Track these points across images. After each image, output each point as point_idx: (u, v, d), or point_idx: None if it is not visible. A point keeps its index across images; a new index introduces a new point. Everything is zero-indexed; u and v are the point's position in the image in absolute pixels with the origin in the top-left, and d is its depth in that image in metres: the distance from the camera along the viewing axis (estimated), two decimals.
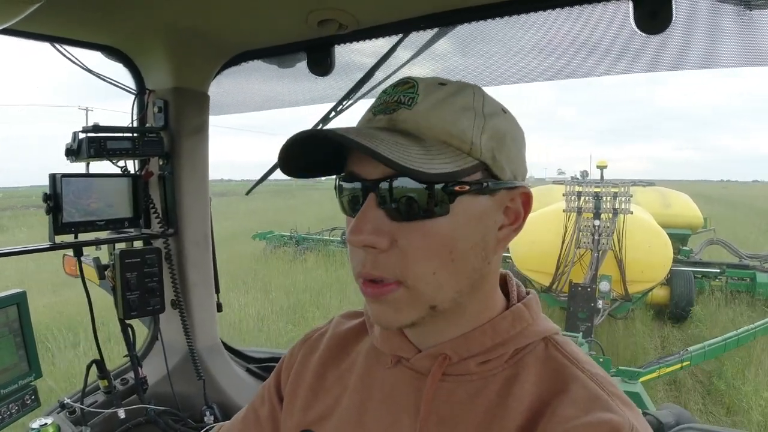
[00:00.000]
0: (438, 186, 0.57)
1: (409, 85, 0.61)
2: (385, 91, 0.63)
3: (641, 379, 4.65)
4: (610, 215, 7.41)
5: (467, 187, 0.58)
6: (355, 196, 0.61)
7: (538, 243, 7.27)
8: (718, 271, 9.43)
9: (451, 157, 0.58)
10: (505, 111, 0.64)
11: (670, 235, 7.89)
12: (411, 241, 0.58)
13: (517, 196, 0.64)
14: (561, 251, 7.44)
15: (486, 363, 0.64)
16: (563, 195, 7.79)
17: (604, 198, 7.57)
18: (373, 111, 0.63)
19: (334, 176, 0.66)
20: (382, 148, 0.54)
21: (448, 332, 0.65)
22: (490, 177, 0.61)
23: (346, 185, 0.63)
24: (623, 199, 7.49)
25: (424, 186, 0.57)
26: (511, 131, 0.63)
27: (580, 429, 0.56)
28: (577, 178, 12.68)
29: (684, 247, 10.60)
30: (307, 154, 0.63)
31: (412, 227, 0.58)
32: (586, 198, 7.65)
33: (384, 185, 0.58)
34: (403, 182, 0.57)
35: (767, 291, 8.94)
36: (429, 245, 0.58)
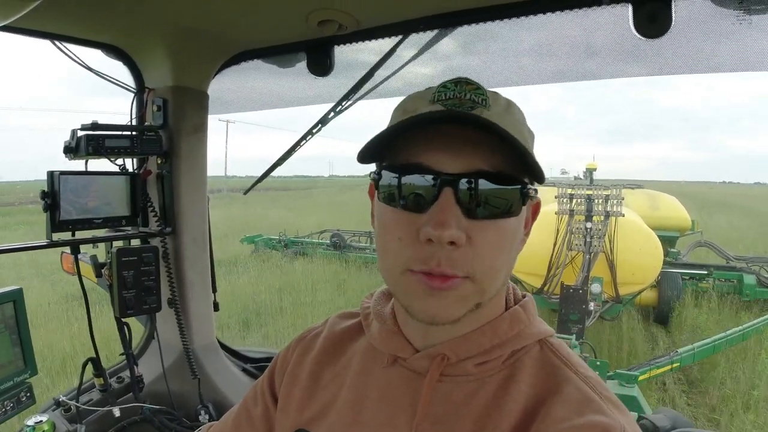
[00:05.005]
0: (516, 187, 0.59)
1: (474, 85, 0.62)
2: (445, 87, 0.62)
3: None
4: (602, 218, 7.47)
5: (534, 193, 0.62)
6: (424, 189, 0.59)
7: (529, 245, 7.20)
8: (706, 273, 9.52)
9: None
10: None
11: (658, 238, 7.95)
12: (485, 238, 0.59)
13: (531, 204, 0.67)
14: (552, 253, 7.48)
15: (484, 364, 0.65)
16: (555, 197, 7.83)
17: (596, 200, 7.63)
18: (444, 104, 0.61)
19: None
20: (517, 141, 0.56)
21: (455, 333, 0.66)
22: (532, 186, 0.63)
23: (412, 178, 0.60)
24: (615, 201, 7.55)
25: (509, 187, 0.59)
26: None
27: (572, 431, 0.57)
28: (580, 178, 12.80)
29: (672, 249, 10.69)
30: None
31: (487, 225, 0.59)
32: (578, 200, 7.70)
33: (466, 181, 0.58)
34: (485, 180, 0.58)
35: (754, 293, 9.04)
36: (499, 243, 0.60)
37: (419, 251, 0.58)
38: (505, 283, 0.67)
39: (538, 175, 0.60)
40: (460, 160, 0.58)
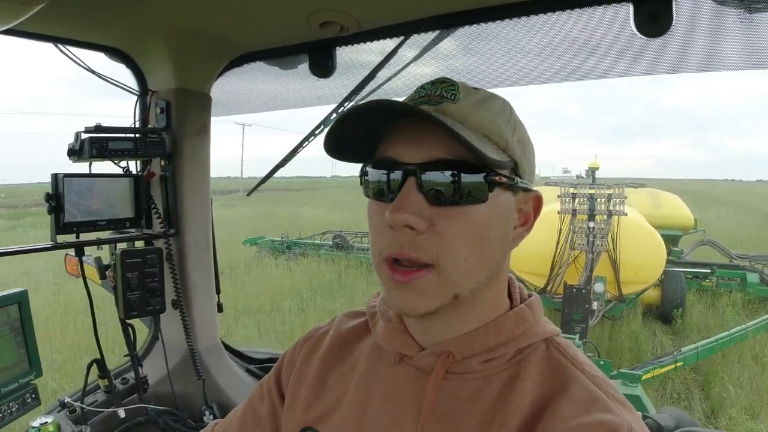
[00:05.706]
0: (480, 174, 0.60)
1: (449, 83, 0.65)
2: (422, 87, 0.66)
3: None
4: (605, 217, 7.45)
5: (504, 179, 0.62)
6: (392, 180, 0.62)
7: (532, 244, 7.27)
8: (709, 271, 9.49)
9: (493, 149, 0.61)
10: (523, 125, 0.69)
11: (661, 236, 7.93)
12: (449, 225, 0.60)
13: (530, 199, 0.68)
14: (555, 253, 7.47)
15: (489, 362, 0.66)
16: (558, 197, 7.81)
17: (599, 200, 7.62)
18: (414, 102, 0.64)
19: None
20: (449, 127, 0.57)
21: (455, 330, 0.67)
22: (516, 176, 0.65)
23: (381, 170, 0.64)
24: (617, 200, 7.54)
25: (471, 174, 0.60)
26: (530, 142, 0.68)
27: (579, 429, 0.57)
28: (582, 177, 12.76)
29: (675, 248, 10.66)
30: (345, 135, 0.65)
31: (452, 212, 0.60)
32: (581, 200, 7.69)
33: (426, 170, 0.60)
34: (446, 167, 0.60)
35: (757, 291, 9.01)
36: (466, 231, 0.60)
37: (387, 237, 0.62)
38: (496, 275, 0.66)
39: (491, 165, 0.60)
40: (422, 150, 0.61)
